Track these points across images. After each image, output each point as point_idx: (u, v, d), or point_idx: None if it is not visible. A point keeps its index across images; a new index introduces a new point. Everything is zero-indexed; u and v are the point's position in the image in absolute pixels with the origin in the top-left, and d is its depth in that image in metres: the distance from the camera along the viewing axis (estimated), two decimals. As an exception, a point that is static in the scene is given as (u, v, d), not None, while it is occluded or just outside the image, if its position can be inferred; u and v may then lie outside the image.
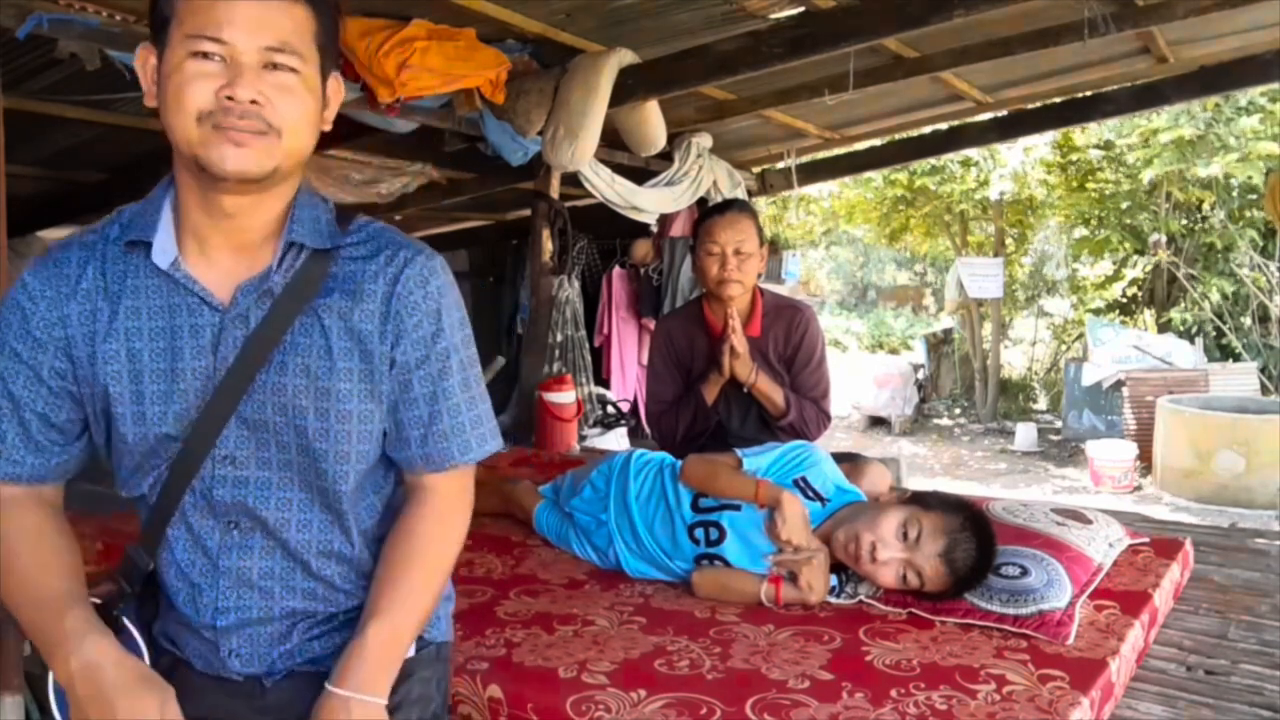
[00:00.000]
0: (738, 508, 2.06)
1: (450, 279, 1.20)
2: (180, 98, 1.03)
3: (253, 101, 1.03)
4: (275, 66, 1.05)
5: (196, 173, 1.07)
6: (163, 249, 1.10)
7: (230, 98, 1.02)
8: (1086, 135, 8.54)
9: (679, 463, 2.21)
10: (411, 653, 1.21)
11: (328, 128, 1.15)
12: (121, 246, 1.12)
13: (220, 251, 1.12)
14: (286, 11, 1.05)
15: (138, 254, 1.11)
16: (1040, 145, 8.57)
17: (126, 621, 1.17)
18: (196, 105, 1.03)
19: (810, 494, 2.08)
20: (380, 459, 1.21)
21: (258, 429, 1.12)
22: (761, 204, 6.97)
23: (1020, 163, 8.57)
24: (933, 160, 8.40)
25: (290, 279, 1.12)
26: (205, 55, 1.03)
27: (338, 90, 1.16)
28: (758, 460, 2.12)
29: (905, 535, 1.88)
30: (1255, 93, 7.22)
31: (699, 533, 2.09)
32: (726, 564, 2.05)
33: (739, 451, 2.16)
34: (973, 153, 8.53)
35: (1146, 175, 7.90)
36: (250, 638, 1.17)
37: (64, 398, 1.14)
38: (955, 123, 5.40)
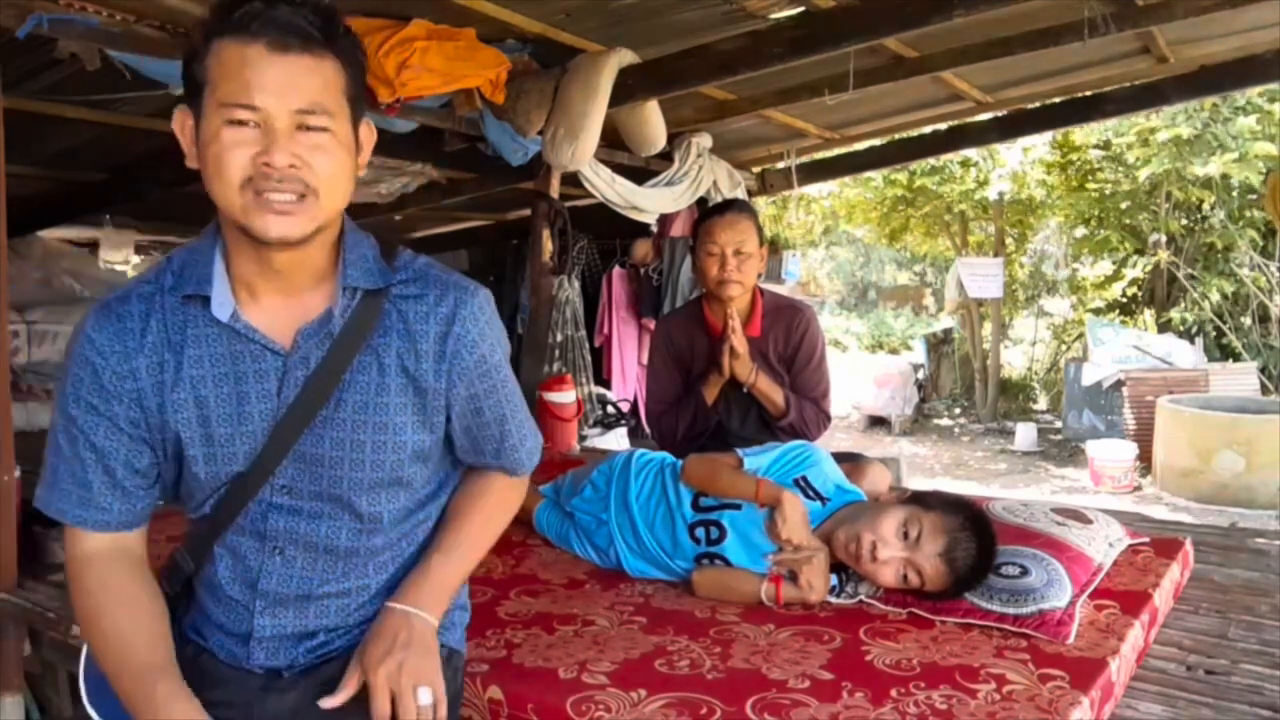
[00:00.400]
0: (738, 507, 2.06)
1: (493, 309, 1.29)
2: (221, 167, 1.07)
3: (290, 166, 1.07)
4: (308, 128, 1.09)
5: (243, 235, 1.12)
6: (221, 302, 1.15)
7: (268, 164, 1.06)
8: (1086, 134, 8.53)
9: (679, 462, 2.21)
10: None
11: (363, 172, 1.21)
12: (179, 299, 1.17)
13: (273, 298, 1.18)
14: (315, 70, 1.08)
15: (195, 305, 1.17)
16: (1039, 145, 8.57)
17: None
18: (237, 174, 1.07)
19: (811, 494, 2.08)
20: (434, 482, 1.31)
21: (314, 462, 1.20)
22: (761, 204, 6.97)
23: (1019, 163, 8.56)
24: (932, 160, 8.39)
25: (347, 320, 1.18)
26: (240, 123, 1.07)
27: (370, 135, 1.21)
28: (758, 460, 2.12)
29: (906, 534, 1.88)
30: (1253, 93, 7.23)
31: (699, 532, 2.08)
32: (727, 563, 2.05)
33: (739, 451, 2.16)
34: (972, 153, 8.53)
35: (1144, 174, 7.90)
36: (281, 641, 1.25)
37: (141, 444, 1.19)
38: (955, 123, 5.39)
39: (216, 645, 1.27)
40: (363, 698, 1.19)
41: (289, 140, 1.07)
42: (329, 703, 1.18)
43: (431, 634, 1.21)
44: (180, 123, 1.14)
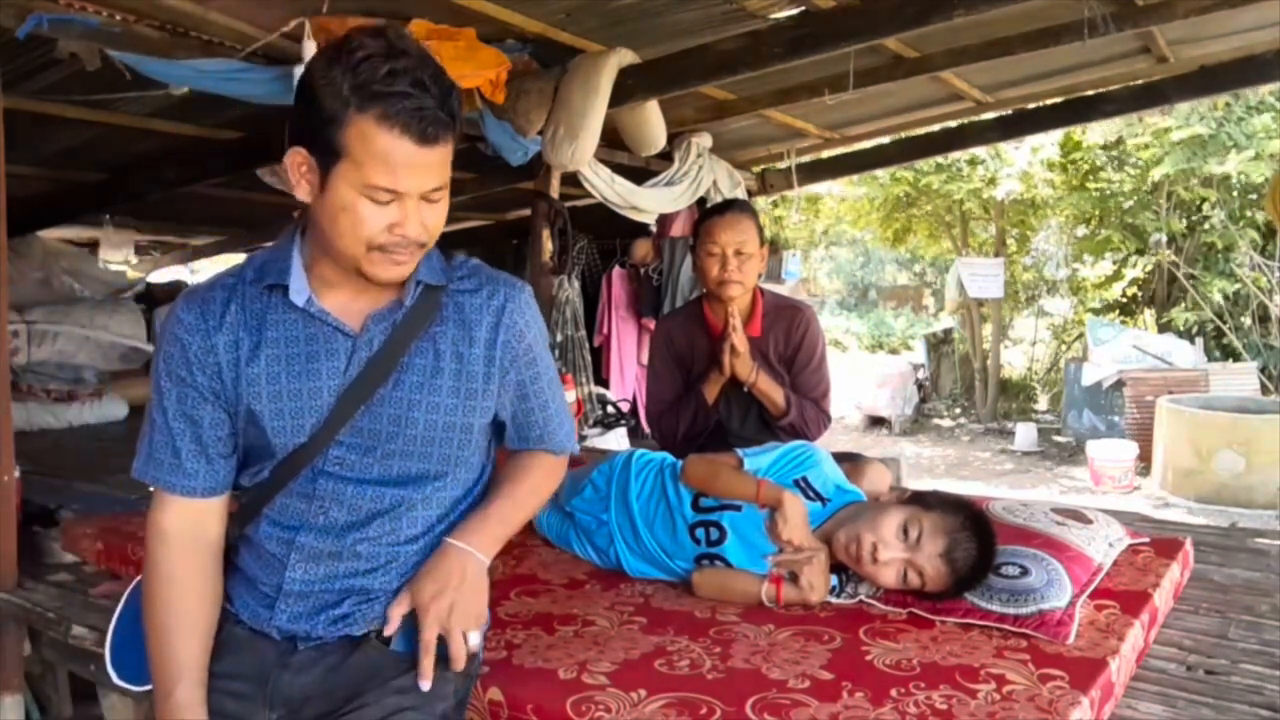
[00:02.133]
0: (738, 508, 2.06)
1: (536, 304, 1.45)
2: (356, 233, 1.21)
3: (417, 235, 1.22)
4: (432, 199, 1.23)
5: (351, 269, 1.25)
6: (298, 290, 1.29)
7: (403, 234, 1.21)
8: (1092, 133, 8.50)
9: (680, 462, 2.21)
10: None
11: None
12: (259, 288, 1.31)
13: (348, 290, 1.31)
14: (446, 155, 1.22)
15: (275, 294, 1.31)
16: (1047, 145, 8.55)
17: None
18: (370, 240, 1.21)
19: (811, 494, 2.08)
20: (474, 467, 1.42)
21: (370, 436, 1.32)
22: (761, 204, 6.97)
23: (1027, 162, 8.55)
24: (939, 159, 8.38)
25: (409, 309, 1.32)
26: (381, 201, 1.19)
27: None
28: (758, 460, 2.12)
29: (906, 535, 1.88)
30: (1265, 91, 7.22)
31: (700, 532, 2.08)
32: (727, 564, 2.04)
33: (740, 451, 2.16)
34: (980, 151, 8.52)
35: (1156, 173, 7.88)
36: (306, 600, 1.34)
37: (222, 412, 1.32)
38: (956, 123, 5.39)
39: (242, 607, 1.36)
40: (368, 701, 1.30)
41: (418, 213, 1.22)
42: (387, 631, 1.32)
43: (484, 575, 1.35)
44: (295, 163, 1.22)
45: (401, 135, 1.16)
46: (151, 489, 1.34)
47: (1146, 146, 8.04)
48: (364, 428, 1.31)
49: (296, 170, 1.23)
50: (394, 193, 1.19)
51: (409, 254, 1.24)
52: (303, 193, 1.24)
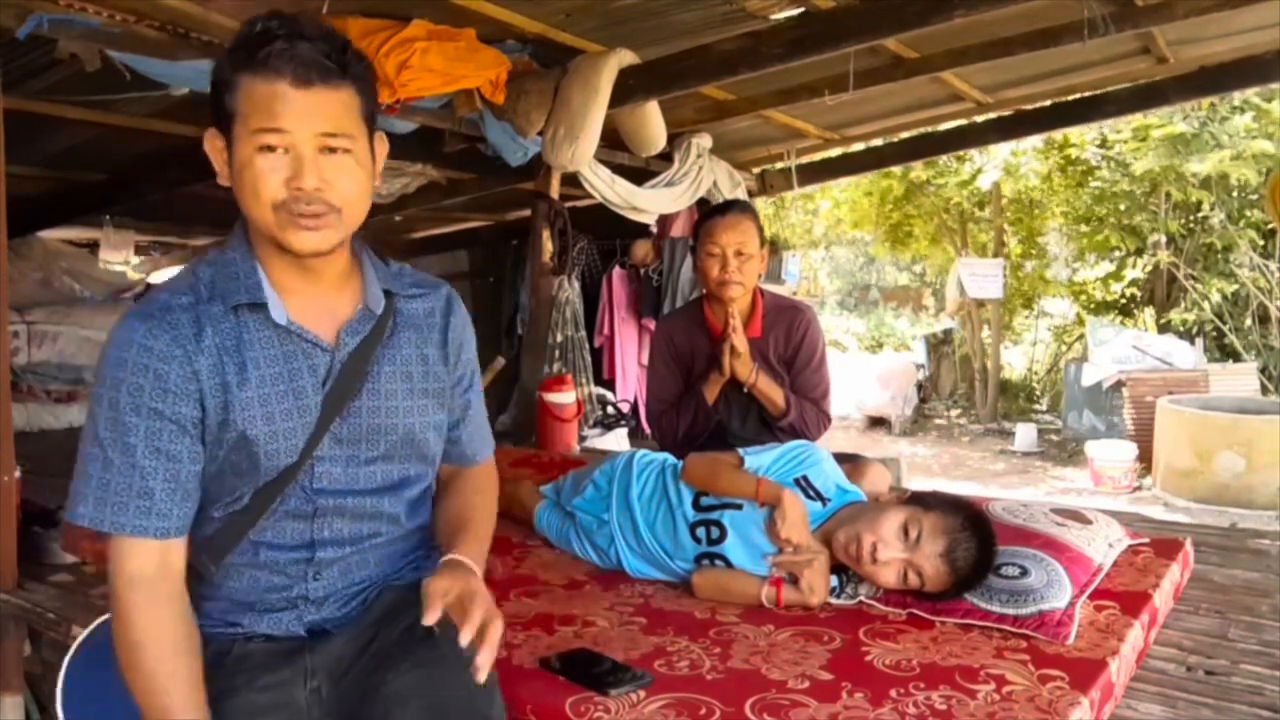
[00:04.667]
0: (739, 506, 2.06)
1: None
2: (256, 191, 1.20)
3: (316, 188, 1.20)
4: (331, 149, 1.21)
5: (277, 246, 1.25)
6: (276, 308, 1.28)
7: (299, 188, 1.19)
8: (1081, 132, 8.51)
9: (681, 463, 2.21)
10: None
11: (378, 182, 1.35)
12: (225, 309, 1.27)
13: (307, 300, 1.31)
14: (335, 97, 1.20)
15: (245, 312, 1.28)
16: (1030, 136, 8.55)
17: None
18: (271, 197, 1.20)
19: (811, 493, 2.08)
20: (438, 457, 1.47)
21: (351, 445, 1.33)
22: (761, 204, 6.97)
23: (1010, 151, 8.55)
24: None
25: (380, 318, 1.35)
26: (270, 148, 1.18)
27: (382, 147, 1.33)
28: (759, 459, 2.12)
29: (906, 535, 1.88)
30: (1249, 91, 7.22)
31: (700, 531, 2.09)
32: (728, 563, 2.05)
33: (740, 450, 2.16)
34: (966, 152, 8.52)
35: (1139, 168, 7.89)
36: (329, 600, 1.36)
37: (199, 443, 1.26)
38: (956, 123, 5.39)
39: (254, 622, 1.34)
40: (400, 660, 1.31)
41: (314, 164, 1.19)
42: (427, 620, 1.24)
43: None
44: (211, 144, 1.25)
45: (276, 79, 1.17)
46: (113, 536, 1.22)
47: (1125, 141, 8.04)
48: (346, 438, 1.33)
49: (215, 154, 1.25)
50: (279, 132, 1.17)
51: (316, 215, 1.21)
52: (223, 177, 1.25)
